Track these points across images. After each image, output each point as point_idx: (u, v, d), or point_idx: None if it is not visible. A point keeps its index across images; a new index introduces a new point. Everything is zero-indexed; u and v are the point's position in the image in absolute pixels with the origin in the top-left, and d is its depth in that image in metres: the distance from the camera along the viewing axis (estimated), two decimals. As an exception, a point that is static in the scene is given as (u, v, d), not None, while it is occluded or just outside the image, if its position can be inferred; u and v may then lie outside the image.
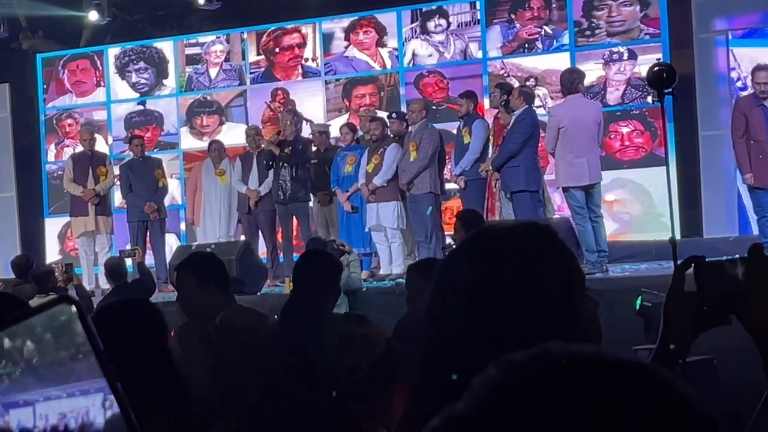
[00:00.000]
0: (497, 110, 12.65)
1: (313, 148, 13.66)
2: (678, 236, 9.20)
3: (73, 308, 1.13)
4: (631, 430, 0.97)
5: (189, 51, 17.36)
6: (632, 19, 15.00)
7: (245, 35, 17.03)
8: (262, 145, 13.88)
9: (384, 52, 16.25)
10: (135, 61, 17.56)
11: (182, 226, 16.38)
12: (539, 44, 15.47)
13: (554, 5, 15.35)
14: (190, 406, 3.83)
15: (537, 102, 13.57)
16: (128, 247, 12.93)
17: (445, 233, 12.75)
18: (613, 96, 14.92)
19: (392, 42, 16.20)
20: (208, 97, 17.18)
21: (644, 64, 13.75)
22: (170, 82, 17.42)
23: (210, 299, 5.59)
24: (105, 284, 12.65)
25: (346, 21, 16.50)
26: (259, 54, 16.93)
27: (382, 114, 14.25)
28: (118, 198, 15.58)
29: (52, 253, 17.11)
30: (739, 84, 14.02)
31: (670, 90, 8.87)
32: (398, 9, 16.15)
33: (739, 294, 1.84)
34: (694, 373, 6.58)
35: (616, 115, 14.80)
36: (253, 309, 5.82)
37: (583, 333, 1.73)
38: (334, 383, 5.20)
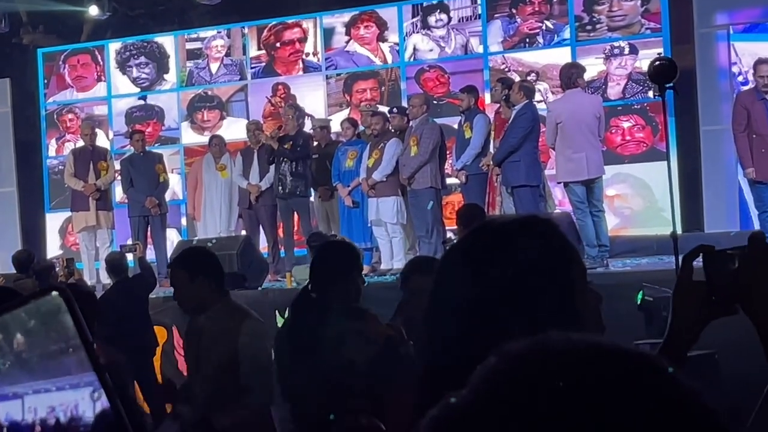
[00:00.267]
0: (498, 105, 12.65)
1: (314, 143, 13.66)
2: (679, 231, 9.20)
3: (63, 299, 1.12)
4: (630, 419, 0.97)
5: (190, 46, 17.35)
6: (633, 14, 14.99)
7: (246, 30, 17.02)
8: (263, 140, 13.87)
9: (385, 46, 16.25)
10: (136, 56, 17.56)
11: (183, 221, 16.39)
12: (540, 39, 15.46)
13: (555, 0, 15.35)
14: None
15: (538, 97, 13.55)
16: (129, 242, 12.93)
17: (446, 228, 12.75)
18: (614, 91, 14.92)
19: (393, 37, 16.19)
20: (209, 92, 17.19)
21: (645, 58, 13.74)
22: (171, 77, 17.42)
23: (202, 293, 5.59)
24: (106, 279, 12.64)
25: (346, 16, 16.49)
26: (259, 49, 16.93)
27: (383, 109, 14.25)
28: (119, 193, 15.58)
29: (53, 248, 17.12)
30: (740, 78, 14.01)
31: (671, 85, 8.86)
32: (399, 4, 16.14)
33: (743, 283, 1.84)
34: (695, 368, 6.58)
35: (617, 109, 14.79)
36: (240, 306, 5.80)
37: (583, 326, 1.73)
38: (331, 379, 5.22)
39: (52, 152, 17.80)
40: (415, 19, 16.07)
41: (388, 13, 16.25)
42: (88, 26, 17.90)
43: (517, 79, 13.55)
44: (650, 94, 14.12)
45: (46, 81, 17.97)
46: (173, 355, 11.84)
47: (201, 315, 5.68)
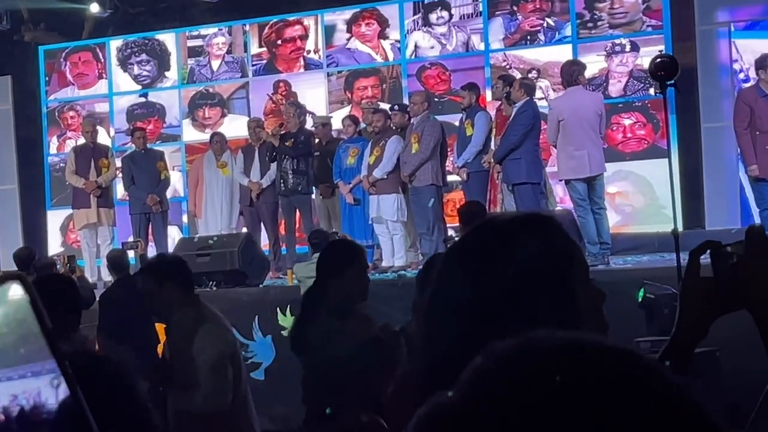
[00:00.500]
0: (500, 102, 12.65)
1: (315, 141, 13.66)
2: (680, 228, 9.21)
3: (23, 287, 1.11)
4: (618, 416, 0.97)
5: (191, 43, 17.36)
6: (634, 11, 14.99)
7: (247, 27, 17.02)
8: (264, 138, 13.88)
9: (386, 44, 16.25)
10: (137, 54, 17.56)
11: (184, 218, 16.40)
12: (541, 36, 15.46)
13: (556, -3, 15.37)
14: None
15: (539, 94, 13.55)
16: (131, 239, 12.94)
17: (447, 225, 12.75)
18: (615, 88, 14.92)
19: (394, 34, 16.19)
20: (210, 90, 17.19)
21: (646, 56, 13.74)
22: (172, 75, 17.43)
23: (170, 299, 5.74)
24: (107, 276, 12.65)
25: (348, 13, 16.49)
26: (261, 46, 16.94)
27: (385, 106, 14.25)
28: (120, 190, 15.58)
29: (54, 246, 17.13)
30: (741, 76, 14.01)
31: (673, 82, 8.87)
32: (400, 1, 16.14)
33: (743, 278, 1.84)
34: (696, 365, 6.57)
35: (619, 107, 14.79)
36: (204, 311, 5.92)
37: (584, 324, 1.73)
38: (322, 376, 5.30)
39: (53, 149, 17.81)
40: (416, 17, 16.07)
41: (389, 10, 16.25)
42: (90, 23, 17.90)
43: (518, 76, 13.55)
44: (651, 91, 14.10)
45: (47, 78, 17.97)
46: (174, 352, 11.84)
47: (170, 319, 5.86)
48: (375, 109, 13.77)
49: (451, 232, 12.60)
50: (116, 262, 11.07)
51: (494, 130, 12.37)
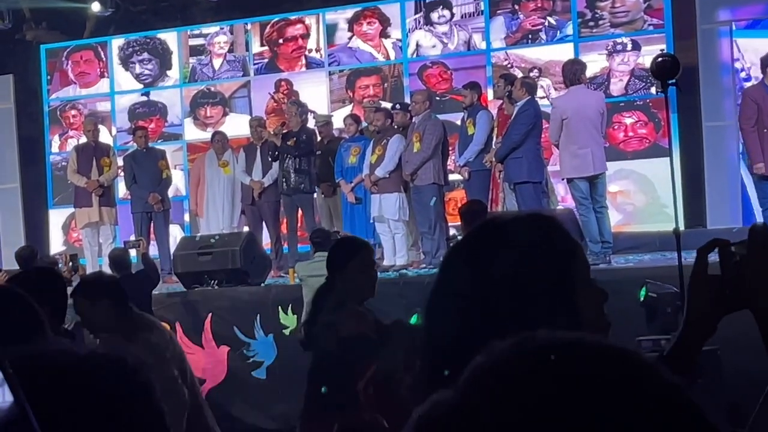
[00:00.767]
0: (501, 101, 12.65)
1: (317, 140, 13.67)
2: (682, 227, 9.21)
3: None
4: (614, 415, 0.97)
5: (193, 42, 17.36)
6: (636, 10, 14.99)
7: (249, 26, 17.02)
8: (266, 137, 13.88)
9: (388, 43, 16.25)
10: (139, 52, 17.57)
11: (186, 217, 16.40)
12: (543, 35, 15.46)
13: (558, -4, 15.37)
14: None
15: (540, 93, 13.55)
16: (132, 238, 12.94)
17: (449, 224, 12.76)
18: (616, 87, 14.92)
19: (396, 33, 16.19)
20: (212, 88, 17.19)
21: (648, 55, 13.72)
22: (174, 73, 17.43)
23: (103, 315, 5.82)
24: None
25: (349, 12, 16.49)
26: (262, 45, 16.94)
27: (386, 105, 14.25)
28: (122, 189, 15.58)
29: (56, 245, 17.14)
30: (743, 75, 14.01)
31: (674, 81, 8.86)
32: (402, 0, 16.14)
33: (746, 276, 1.84)
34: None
35: (620, 106, 14.79)
36: (135, 326, 6.02)
37: (583, 324, 1.73)
38: (320, 370, 5.37)
39: (55, 148, 17.82)
40: (417, 16, 16.08)
41: (390, 9, 16.25)
42: (91, 22, 17.91)
43: (520, 75, 13.55)
44: (653, 90, 14.12)
45: (49, 77, 17.97)
46: (176, 351, 11.84)
47: (104, 335, 5.97)
48: (376, 107, 13.77)
49: (453, 231, 12.60)
50: (118, 260, 11.08)
51: (496, 129, 12.38)
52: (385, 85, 16.16)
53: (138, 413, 1.29)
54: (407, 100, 14.27)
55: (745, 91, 12.38)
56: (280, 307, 11.39)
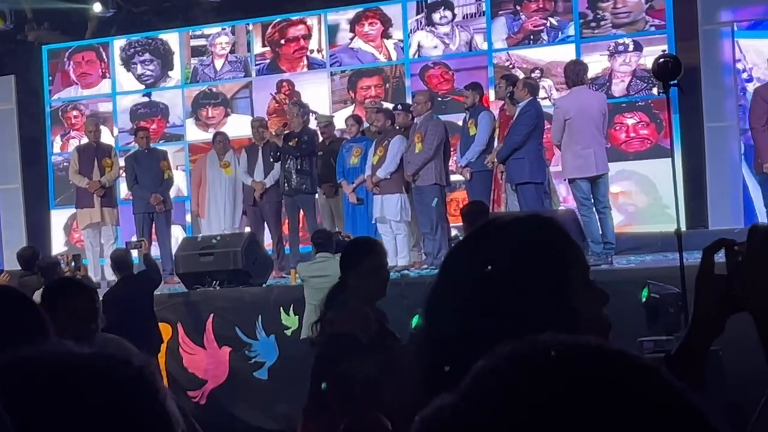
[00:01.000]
0: (503, 102, 12.65)
1: (319, 140, 13.67)
2: (683, 228, 9.22)
3: None
4: (619, 419, 0.97)
5: (194, 43, 17.36)
6: (637, 11, 14.98)
7: (250, 27, 17.03)
8: (268, 137, 13.88)
9: (389, 43, 16.25)
10: (140, 53, 17.57)
11: (188, 217, 16.41)
12: (544, 36, 15.46)
13: (559, -3, 15.36)
14: None
15: (542, 93, 13.55)
16: (134, 238, 12.95)
17: (451, 225, 12.76)
18: (618, 87, 14.91)
19: (397, 33, 16.19)
20: (214, 89, 17.19)
21: (650, 55, 13.71)
22: (176, 74, 17.43)
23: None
24: (111, 276, 12.66)
25: (351, 12, 16.49)
26: (264, 46, 16.94)
27: (388, 106, 14.25)
28: (123, 190, 15.58)
29: (57, 245, 17.14)
30: (744, 75, 14.01)
31: (676, 81, 8.85)
32: (403, 0, 16.14)
33: (746, 276, 1.84)
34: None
35: (622, 106, 14.78)
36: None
37: (580, 325, 1.73)
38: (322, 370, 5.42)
39: (56, 149, 17.82)
40: (419, 16, 16.08)
41: (392, 9, 16.25)
42: (93, 23, 17.92)
43: (521, 76, 13.55)
44: (654, 91, 14.12)
45: (50, 78, 17.97)
46: (178, 351, 11.87)
47: None
48: (378, 108, 13.77)
49: (454, 232, 12.61)
50: (120, 261, 11.09)
51: (497, 129, 12.38)
52: (387, 85, 16.15)
53: (144, 415, 1.29)
54: (409, 100, 14.26)
55: (756, 90, 12.37)
56: (281, 308, 11.40)
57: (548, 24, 15.42)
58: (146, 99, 17.55)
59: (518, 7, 15.54)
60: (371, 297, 5.59)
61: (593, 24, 15.16)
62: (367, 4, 16.38)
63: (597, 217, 11.25)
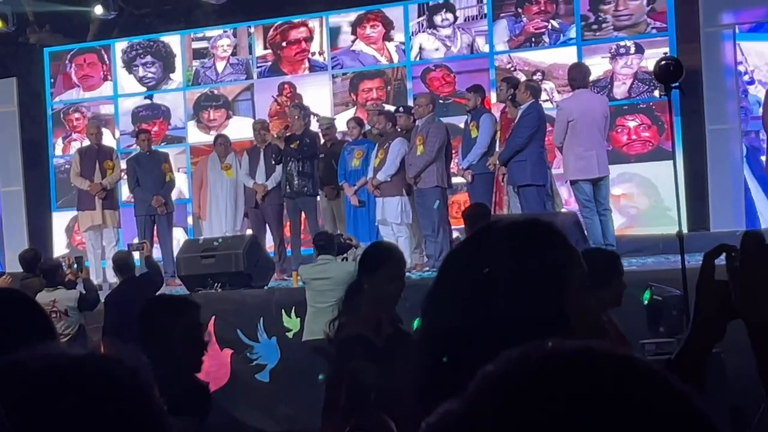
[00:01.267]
0: (504, 104, 12.65)
1: (321, 143, 13.67)
2: (685, 230, 9.19)
3: None
4: (624, 424, 0.97)
5: (196, 45, 17.37)
6: (639, 13, 14.98)
7: (252, 29, 17.04)
8: (269, 140, 13.89)
9: (391, 46, 16.26)
10: (142, 55, 17.58)
11: (189, 220, 16.40)
12: (546, 38, 15.46)
13: (561, -1, 15.36)
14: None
15: (543, 96, 13.56)
16: (136, 240, 12.95)
17: (452, 227, 12.76)
18: (620, 90, 14.91)
19: (399, 36, 16.19)
20: (215, 91, 17.20)
21: (651, 58, 13.72)
22: (177, 76, 17.44)
23: None
24: (112, 278, 12.67)
25: (352, 15, 16.49)
26: (265, 48, 16.95)
27: (390, 108, 14.25)
28: (125, 192, 15.59)
29: (59, 247, 17.14)
30: (746, 78, 14.01)
31: (677, 84, 8.86)
32: (405, 3, 16.15)
33: (741, 282, 1.83)
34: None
35: (623, 109, 14.78)
36: None
37: (572, 329, 1.73)
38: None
39: (58, 151, 17.83)
40: (421, 19, 16.08)
41: (394, 12, 16.25)
42: (95, 25, 17.94)
43: (523, 78, 13.56)
44: (656, 93, 14.13)
45: (52, 80, 17.98)
46: (180, 353, 11.85)
47: None
48: (379, 111, 13.78)
49: (456, 234, 12.61)
50: (122, 263, 11.10)
51: (499, 132, 12.38)
52: (389, 88, 16.16)
53: (136, 415, 1.29)
54: (410, 103, 14.26)
55: None
56: (283, 310, 11.39)
57: (550, 26, 15.42)
58: (148, 101, 17.56)
59: (520, 10, 15.54)
60: (386, 302, 5.59)
61: (595, 26, 15.16)
62: (368, 7, 16.38)
63: (599, 219, 11.25)
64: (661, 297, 8.27)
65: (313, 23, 16.73)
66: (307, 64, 16.73)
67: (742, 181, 13.69)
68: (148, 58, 17.55)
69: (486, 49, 15.73)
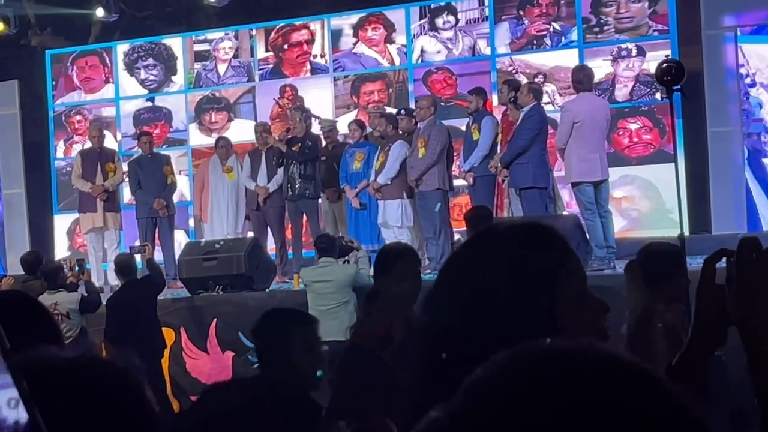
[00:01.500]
0: (505, 107, 12.65)
1: (322, 145, 13.67)
2: (686, 233, 9.18)
3: None
4: (615, 425, 0.97)
5: (197, 47, 17.37)
6: (641, 16, 14.98)
7: (254, 32, 17.04)
8: (271, 142, 13.89)
9: (392, 48, 16.26)
10: (144, 58, 17.58)
11: (191, 222, 16.40)
12: (548, 41, 15.45)
13: (563, 2, 15.33)
14: None
15: (545, 99, 13.56)
16: (138, 243, 12.96)
17: (454, 230, 12.75)
18: (621, 92, 14.91)
19: (401, 38, 16.19)
20: (217, 94, 17.20)
21: (653, 60, 13.73)
22: (179, 79, 17.44)
23: None
24: (114, 280, 12.68)
25: (354, 17, 16.50)
26: (267, 50, 16.95)
27: (391, 111, 14.25)
28: (126, 194, 15.60)
29: (61, 250, 17.15)
30: (747, 80, 14.01)
31: (679, 86, 8.85)
32: (407, 5, 16.14)
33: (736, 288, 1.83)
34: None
35: (625, 111, 14.78)
36: None
37: (574, 335, 1.73)
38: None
39: (60, 154, 17.83)
40: (422, 21, 16.08)
41: (395, 14, 16.25)
42: (96, 28, 17.93)
43: (524, 80, 13.55)
44: (658, 96, 14.12)
45: (54, 82, 17.99)
46: (181, 356, 11.87)
47: None
48: (381, 113, 13.79)
49: (457, 237, 12.60)
50: (124, 266, 11.10)
51: (500, 134, 12.38)
52: (390, 90, 16.16)
53: (128, 415, 1.29)
54: (412, 105, 14.26)
55: None
56: (284, 313, 11.38)
57: (551, 29, 15.42)
58: (149, 104, 17.56)
59: (521, 12, 15.53)
60: (403, 303, 5.56)
61: (596, 29, 15.16)
62: (370, 9, 16.38)
63: (600, 221, 11.25)
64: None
65: (315, 26, 16.73)
66: (308, 67, 16.74)
67: (743, 183, 13.68)
68: (150, 61, 17.55)
69: (487, 51, 15.73)
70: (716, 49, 14.31)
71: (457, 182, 13.13)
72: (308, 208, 13.52)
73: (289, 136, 13.59)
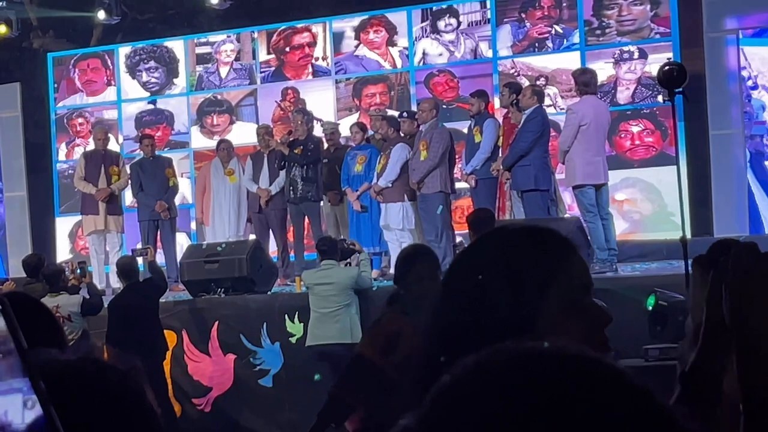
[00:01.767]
0: (507, 110, 12.65)
1: (324, 148, 13.68)
2: (688, 235, 9.18)
3: None
4: (584, 425, 0.97)
5: (199, 50, 17.38)
6: (643, 18, 14.98)
7: (256, 34, 17.04)
8: (273, 145, 13.88)
9: (394, 51, 16.26)
10: (145, 61, 17.58)
11: (193, 225, 16.39)
12: (549, 43, 15.46)
13: (564, 4, 15.34)
14: None
15: (547, 101, 13.55)
16: (140, 246, 12.96)
17: (456, 232, 12.75)
18: (623, 95, 14.91)
19: (402, 41, 16.20)
20: (219, 97, 17.20)
21: (655, 63, 13.73)
22: (181, 82, 17.45)
23: None
24: (116, 283, 12.68)
25: (356, 20, 16.50)
26: (269, 53, 16.95)
27: (393, 113, 14.25)
28: (129, 197, 15.60)
29: (63, 252, 17.15)
30: (749, 83, 14.01)
31: (681, 89, 8.86)
32: (409, 8, 16.15)
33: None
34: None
35: (627, 114, 14.78)
36: None
37: (562, 336, 1.72)
38: None
39: (61, 156, 17.84)
40: (424, 24, 16.08)
41: (397, 17, 16.25)
42: (98, 30, 17.94)
43: (526, 83, 13.55)
44: (660, 98, 14.09)
45: (56, 85, 17.99)
46: (183, 359, 11.87)
47: None
48: (383, 116, 13.79)
49: (459, 239, 12.60)
50: (126, 268, 11.10)
51: (502, 137, 12.37)
52: (392, 93, 16.16)
53: (130, 418, 1.29)
54: (414, 108, 14.26)
55: None
56: (286, 315, 11.39)
57: (553, 31, 15.42)
58: (151, 106, 17.57)
59: (523, 15, 15.54)
60: (420, 304, 5.52)
61: (598, 31, 15.17)
62: (372, 12, 16.38)
63: (601, 223, 11.25)
64: (665, 302, 8.26)
65: (317, 28, 16.74)
66: (310, 69, 16.74)
67: (745, 185, 13.68)
68: (152, 63, 17.56)
69: (489, 54, 15.73)
70: (718, 52, 14.31)
71: (458, 185, 13.13)
72: (310, 211, 13.52)
73: (291, 139, 13.59)
